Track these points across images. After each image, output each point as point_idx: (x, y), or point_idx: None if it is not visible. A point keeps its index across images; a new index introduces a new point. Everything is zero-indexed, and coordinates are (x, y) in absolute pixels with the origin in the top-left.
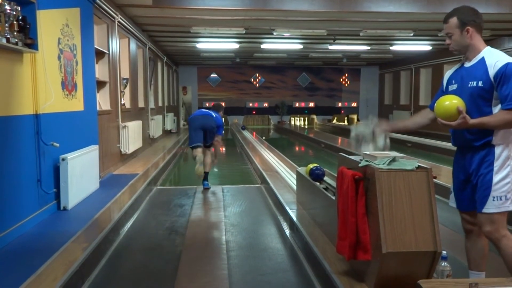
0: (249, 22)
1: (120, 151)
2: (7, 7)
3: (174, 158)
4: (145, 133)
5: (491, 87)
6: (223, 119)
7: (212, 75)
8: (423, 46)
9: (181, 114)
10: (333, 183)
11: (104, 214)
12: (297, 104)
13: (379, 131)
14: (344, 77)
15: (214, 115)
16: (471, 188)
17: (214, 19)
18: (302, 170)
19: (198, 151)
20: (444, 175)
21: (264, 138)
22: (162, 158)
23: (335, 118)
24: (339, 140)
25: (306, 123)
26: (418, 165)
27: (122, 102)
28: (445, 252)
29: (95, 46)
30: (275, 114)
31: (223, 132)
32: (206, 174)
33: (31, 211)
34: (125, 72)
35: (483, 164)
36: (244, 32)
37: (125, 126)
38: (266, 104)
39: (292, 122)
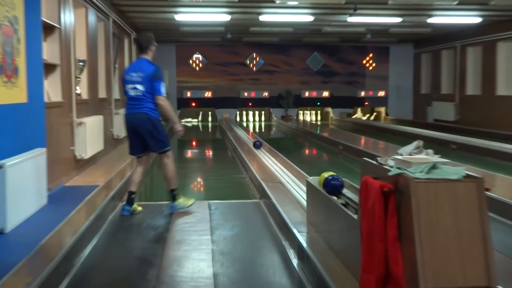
0: None
1: (75, 156)
2: None
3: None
4: (108, 131)
5: None
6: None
7: (195, 55)
8: (471, 18)
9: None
10: (355, 198)
11: (53, 238)
12: (306, 94)
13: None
14: (368, 58)
15: (142, 75)
16: None
17: None
18: (314, 180)
19: (137, 171)
20: (501, 186)
21: (263, 138)
22: (129, 165)
23: (357, 111)
24: (362, 141)
25: (319, 118)
26: (466, 174)
27: (78, 92)
28: (501, 287)
29: (43, 19)
30: (278, 106)
31: (163, 88)
32: (173, 193)
33: None
34: (81, 53)
35: None
36: None
37: (81, 123)
38: (266, 94)
39: (301, 117)
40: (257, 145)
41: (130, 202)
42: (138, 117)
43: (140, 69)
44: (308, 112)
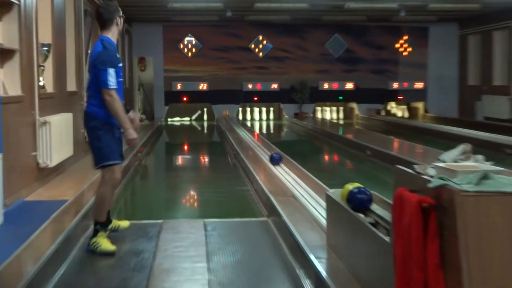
0: None
1: (38, 164)
2: None
3: (126, 174)
4: (78, 133)
5: None
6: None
7: (187, 38)
8: None
9: (137, 103)
10: (387, 215)
11: (10, 267)
12: (326, 86)
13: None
14: (402, 42)
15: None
16: None
17: None
18: (336, 193)
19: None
20: None
21: (272, 141)
22: None
23: (389, 107)
24: (395, 144)
25: (341, 116)
26: None
27: (41, 84)
28: None
29: None
30: (291, 101)
31: (112, 78)
32: (95, 227)
33: None
34: (45, 35)
35: None
36: None
37: (45, 123)
38: (275, 86)
39: (318, 115)
40: (275, 160)
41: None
42: (84, 117)
43: (91, 52)
44: (328, 108)
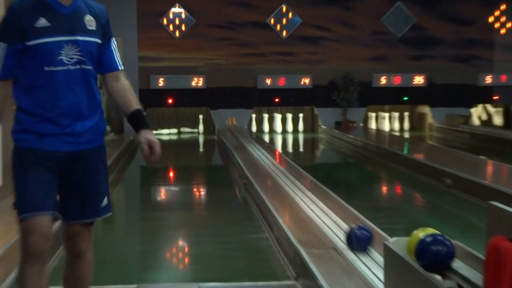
0: None
1: None
2: None
3: None
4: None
5: None
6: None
7: (173, 10)
8: None
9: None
10: (476, 277)
11: None
12: (383, 81)
13: None
14: (498, 14)
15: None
16: None
17: None
18: (399, 244)
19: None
20: None
21: (303, 164)
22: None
23: (479, 112)
24: (489, 169)
25: (407, 126)
26: None
27: None
28: None
29: None
30: (330, 104)
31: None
32: None
33: None
34: None
35: None
36: None
37: None
38: (306, 81)
39: (372, 124)
40: (359, 241)
41: None
42: None
43: None
44: (386, 114)
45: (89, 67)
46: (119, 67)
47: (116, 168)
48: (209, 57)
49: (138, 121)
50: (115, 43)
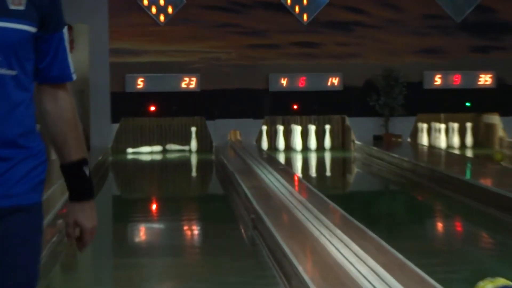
0: None
1: None
2: None
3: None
4: None
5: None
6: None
7: None
8: None
9: None
10: None
11: None
12: (437, 81)
13: None
14: None
15: None
16: None
17: None
18: None
19: None
20: None
21: (331, 193)
22: None
23: None
24: None
25: (470, 140)
26: None
27: None
28: None
29: None
30: (366, 112)
31: None
32: None
33: None
34: None
35: None
36: None
37: None
38: (334, 81)
39: (423, 139)
40: None
41: None
42: None
43: None
44: (442, 126)
45: (11, 72)
46: (67, 77)
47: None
48: (204, 50)
49: (74, 183)
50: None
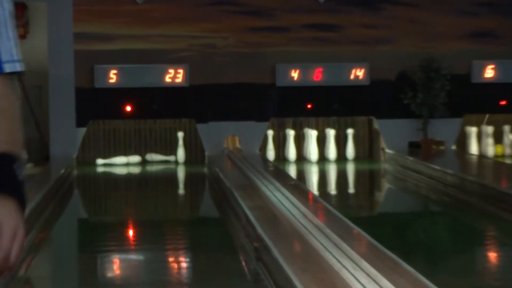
0: None
1: None
2: None
3: None
4: None
5: None
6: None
7: None
8: None
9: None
10: None
11: None
12: (489, 73)
13: None
14: None
15: None
16: None
17: None
18: None
19: None
20: None
21: (355, 215)
22: None
23: None
24: None
25: None
26: None
27: None
28: None
29: None
30: (399, 113)
31: None
32: None
33: None
34: None
35: None
36: None
37: None
38: (359, 74)
39: (472, 147)
40: None
41: None
42: None
43: None
44: (497, 131)
45: None
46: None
47: (37, 223)
48: (194, 35)
49: None
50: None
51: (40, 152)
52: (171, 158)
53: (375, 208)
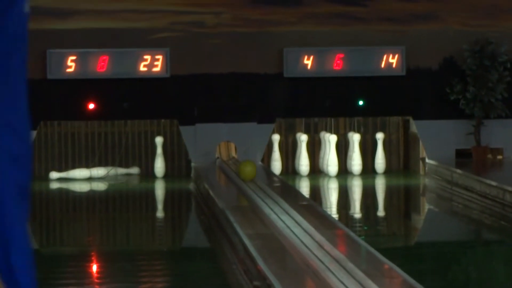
0: None
1: None
2: None
3: None
4: None
5: None
6: None
7: None
8: None
9: None
10: None
11: None
12: None
13: None
14: None
15: None
16: None
17: None
18: None
19: None
20: None
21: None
22: None
23: None
24: None
25: None
26: None
27: None
28: None
29: None
30: (444, 111)
31: None
32: None
33: None
34: None
35: None
36: None
37: None
38: (391, 61)
39: None
40: None
41: None
42: None
43: None
44: None
45: None
46: None
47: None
48: (177, 9)
49: None
50: None
51: None
52: (134, 170)
53: (412, 237)
